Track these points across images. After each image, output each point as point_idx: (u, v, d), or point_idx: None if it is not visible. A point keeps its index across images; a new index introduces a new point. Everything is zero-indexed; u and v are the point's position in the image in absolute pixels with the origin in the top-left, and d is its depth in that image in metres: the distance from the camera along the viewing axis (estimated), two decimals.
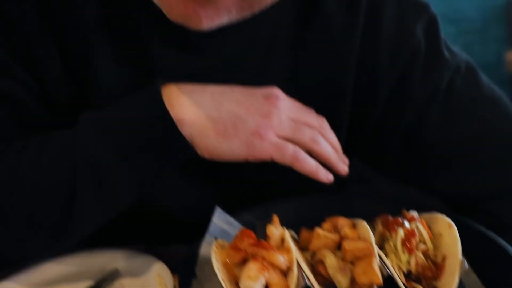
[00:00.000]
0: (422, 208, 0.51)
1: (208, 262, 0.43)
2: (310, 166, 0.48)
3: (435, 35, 0.60)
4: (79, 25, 0.53)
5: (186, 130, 0.44)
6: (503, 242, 0.46)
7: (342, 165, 0.52)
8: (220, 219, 0.50)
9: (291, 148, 0.46)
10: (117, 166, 0.45)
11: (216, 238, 0.47)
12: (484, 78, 0.62)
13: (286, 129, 0.47)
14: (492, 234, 0.47)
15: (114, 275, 0.50)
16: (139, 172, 0.47)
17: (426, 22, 0.60)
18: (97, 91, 0.54)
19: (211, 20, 0.45)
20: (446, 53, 0.60)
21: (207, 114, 0.45)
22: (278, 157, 0.46)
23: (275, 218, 0.46)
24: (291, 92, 0.58)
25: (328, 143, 0.51)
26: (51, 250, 0.54)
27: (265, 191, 0.61)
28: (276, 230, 0.45)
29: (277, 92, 0.49)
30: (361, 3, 0.58)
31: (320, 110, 0.59)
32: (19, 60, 0.52)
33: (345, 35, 0.59)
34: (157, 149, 0.45)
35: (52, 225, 0.48)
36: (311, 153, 0.51)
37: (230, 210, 0.52)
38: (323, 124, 0.52)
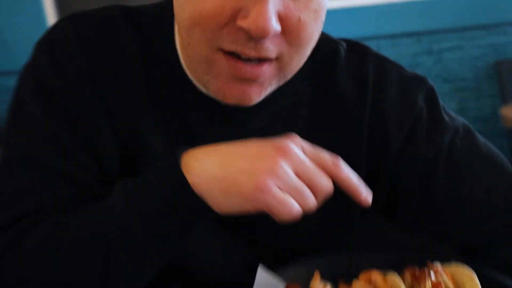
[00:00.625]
0: (435, 255, 0.51)
1: None
2: (294, 210, 0.41)
3: (434, 103, 0.64)
4: (130, 109, 0.57)
5: (198, 191, 0.43)
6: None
7: (364, 195, 0.47)
8: (262, 276, 0.51)
9: (291, 201, 0.41)
10: (144, 232, 0.45)
11: None
12: (480, 137, 0.65)
13: (289, 182, 0.41)
14: (503, 279, 0.48)
15: None
16: (165, 236, 0.46)
17: (426, 93, 0.64)
18: (145, 166, 0.56)
19: (258, 95, 0.51)
20: (445, 118, 0.63)
21: (213, 175, 0.43)
22: (277, 211, 0.41)
23: (317, 274, 0.48)
24: None
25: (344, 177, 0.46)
26: None
27: (292, 246, 0.61)
28: (319, 284, 0.46)
29: (288, 143, 0.44)
30: (369, 81, 0.62)
31: None
32: (79, 143, 0.55)
33: (357, 107, 0.62)
34: (178, 213, 0.44)
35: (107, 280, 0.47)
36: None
37: (260, 264, 0.53)
38: (335, 166, 0.45)
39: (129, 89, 0.57)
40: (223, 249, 0.63)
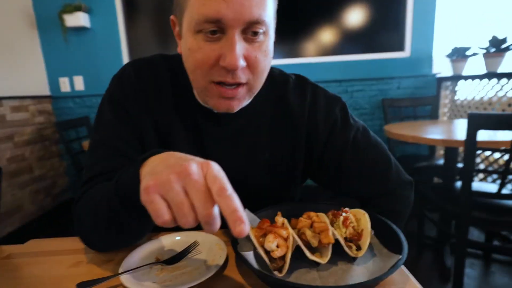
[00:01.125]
0: (348, 205, 0.50)
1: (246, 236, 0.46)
2: (163, 220, 0.30)
3: (345, 112, 0.62)
4: (164, 115, 0.57)
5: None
6: (387, 221, 0.48)
7: (238, 229, 0.29)
8: (248, 214, 0.51)
9: (162, 210, 0.30)
10: (119, 205, 0.40)
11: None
12: (372, 133, 0.64)
13: (171, 196, 0.30)
14: (382, 218, 0.49)
15: (196, 243, 0.50)
16: (132, 207, 0.39)
17: (340, 106, 0.62)
18: (173, 147, 0.54)
19: (237, 106, 0.51)
20: (352, 121, 0.62)
21: (145, 171, 0.35)
22: (150, 213, 0.31)
23: (279, 213, 0.48)
24: (270, 149, 0.60)
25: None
26: (122, 245, 0.51)
27: (263, 199, 0.59)
28: (280, 218, 0.47)
29: (192, 165, 0.31)
30: (307, 99, 0.61)
31: (287, 157, 0.61)
32: (133, 134, 0.56)
33: (299, 115, 0.61)
34: (133, 192, 0.35)
35: (109, 231, 0.45)
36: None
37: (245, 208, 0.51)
38: (221, 194, 0.29)
39: (165, 104, 0.58)
40: None
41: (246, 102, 0.53)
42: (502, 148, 1.22)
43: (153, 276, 0.43)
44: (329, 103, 0.62)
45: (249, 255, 0.41)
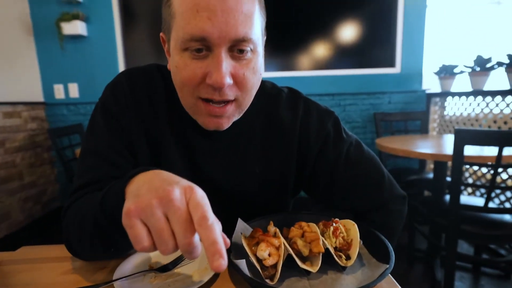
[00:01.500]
0: (338, 216, 0.51)
1: (239, 244, 0.46)
2: (142, 247, 0.30)
3: (338, 126, 0.62)
4: (157, 126, 0.57)
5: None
6: (376, 232, 0.48)
7: (216, 263, 0.27)
8: (240, 223, 0.51)
9: (142, 236, 0.29)
10: (103, 218, 0.40)
11: (241, 233, 0.48)
12: (365, 146, 0.63)
13: (152, 222, 0.29)
14: (371, 229, 0.49)
15: None
16: (116, 222, 0.35)
17: (333, 120, 0.62)
18: (164, 163, 0.56)
19: (227, 124, 0.50)
20: (344, 135, 0.61)
21: (131, 191, 0.34)
22: (130, 237, 0.30)
23: (271, 222, 0.49)
24: (261, 162, 0.59)
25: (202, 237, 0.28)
26: (105, 256, 0.50)
27: (255, 210, 0.60)
28: (272, 228, 0.47)
29: (175, 191, 0.30)
30: (299, 113, 0.61)
31: (278, 171, 0.60)
32: (125, 144, 0.55)
33: (290, 129, 0.60)
34: (118, 211, 0.32)
35: (94, 245, 0.44)
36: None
37: (239, 218, 0.51)
38: (201, 223, 0.28)
39: (157, 114, 0.57)
40: (217, 212, 0.61)
41: (235, 118, 0.53)
42: (489, 163, 1.25)
43: (147, 284, 0.43)
44: (321, 117, 0.62)
45: (242, 263, 0.41)
